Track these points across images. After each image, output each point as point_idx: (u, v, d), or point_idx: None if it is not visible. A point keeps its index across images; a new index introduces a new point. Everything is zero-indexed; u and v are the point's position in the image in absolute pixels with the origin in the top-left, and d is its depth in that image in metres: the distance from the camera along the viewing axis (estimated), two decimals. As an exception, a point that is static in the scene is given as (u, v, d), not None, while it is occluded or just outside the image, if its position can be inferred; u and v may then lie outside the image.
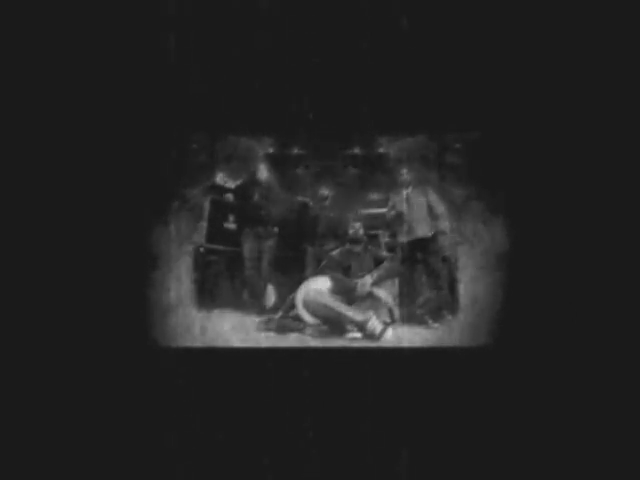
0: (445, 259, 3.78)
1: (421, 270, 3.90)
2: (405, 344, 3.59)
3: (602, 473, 3.21)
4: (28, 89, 3.34)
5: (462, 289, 3.60)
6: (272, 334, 3.70)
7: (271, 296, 3.94)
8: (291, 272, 3.97)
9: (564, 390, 3.29)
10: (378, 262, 3.94)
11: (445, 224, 3.79)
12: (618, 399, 3.25)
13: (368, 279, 3.87)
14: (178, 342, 3.50)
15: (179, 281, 3.59)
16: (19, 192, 3.33)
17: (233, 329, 3.62)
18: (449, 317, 3.63)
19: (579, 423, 3.26)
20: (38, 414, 3.25)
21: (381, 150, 3.88)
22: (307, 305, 3.78)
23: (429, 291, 3.82)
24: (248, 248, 4.04)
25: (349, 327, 3.72)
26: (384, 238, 4.07)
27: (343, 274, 3.92)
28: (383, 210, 3.98)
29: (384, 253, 4.00)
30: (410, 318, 3.76)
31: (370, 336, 3.65)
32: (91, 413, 3.29)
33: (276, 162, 3.98)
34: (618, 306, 3.28)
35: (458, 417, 3.33)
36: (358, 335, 3.69)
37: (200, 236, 3.80)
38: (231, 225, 4.07)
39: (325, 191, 4.06)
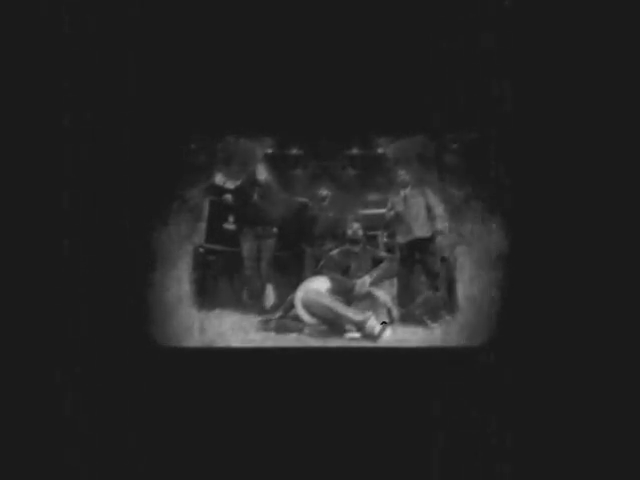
0: (443, 259, 3.79)
1: (419, 270, 3.91)
2: (403, 344, 3.60)
3: (601, 473, 3.22)
4: (28, 88, 3.35)
5: (460, 289, 3.60)
6: (271, 334, 3.71)
7: (270, 296, 3.95)
8: (290, 272, 3.98)
9: (562, 390, 3.30)
10: (377, 262, 3.95)
11: (443, 224, 3.80)
12: (617, 398, 3.26)
13: (367, 279, 3.88)
14: (178, 342, 3.50)
15: (179, 281, 3.60)
16: (18, 191, 3.33)
17: (232, 329, 3.63)
18: (447, 317, 3.64)
19: (578, 422, 3.27)
20: (37, 414, 3.26)
21: (379, 150, 3.90)
22: (306, 305, 3.79)
23: (427, 291, 3.83)
24: (247, 248, 4.05)
25: (348, 327, 3.72)
26: (383, 238, 4.08)
27: (342, 274, 3.93)
28: (382, 210, 3.99)
29: (383, 253, 4.01)
30: (408, 318, 3.77)
31: (369, 336, 3.65)
32: (91, 413, 3.30)
33: (275, 162, 3.99)
34: (617, 305, 3.29)
35: (456, 417, 3.34)
36: (357, 335, 3.69)
37: (199, 236, 3.80)
38: (230, 225, 4.08)
39: (324, 191, 4.07)
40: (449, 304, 3.65)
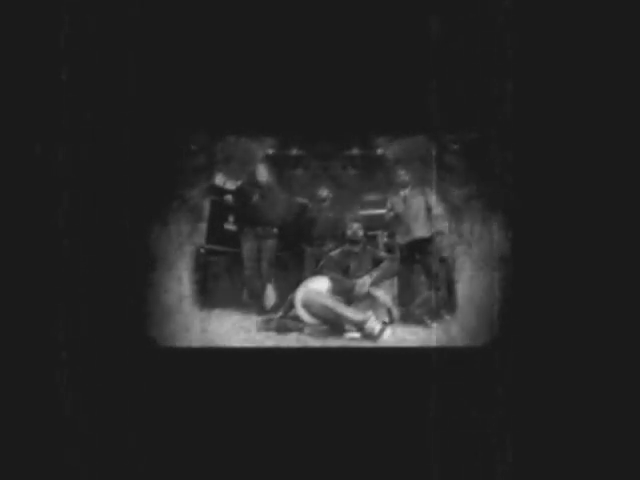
0: (443, 259, 3.78)
1: (419, 270, 3.91)
2: (403, 344, 3.60)
3: (602, 473, 3.22)
4: (28, 88, 3.35)
5: (460, 289, 3.60)
6: (272, 334, 3.71)
7: (270, 296, 3.96)
8: (290, 272, 3.98)
9: (563, 390, 3.30)
10: (377, 262, 3.95)
11: (443, 225, 3.80)
12: (618, 398, 3.26)
13: (367, 279, 3.88)
14: (178, 342, 3.51)
15: (179, 282, 3.60)
16: (18, 191, 3.33)
17: (233, 329, 3.64)
18: (447, 317, 3.64)
19: (578, 422, 3.27)
20: (37, 414, 3.26)
21: (379, 151, 3.90)
22: (306, 305, 3.79)
23: (427, 291, 3.83)
24: (247, 248, 4.05)
25: (348, 327, 3.73)
26: (383, 239, 4.08)
27: (342, 274, 3.93)
28: (382, 211, 4.00)
29: (383, 253, 4.01)
30: (408, 318, 3.78)
31: (369, 336, 3.65)
32: (90, 413, 3.30)
33: (275, 163, 3.99)
34: (618, 305, 3.29)
35: (456, 417, 3.34)
36: (357, 335, 3.69)
37: (200, 237, 3.80)
38: (231, 226, 4.09)
39: (324, 192, 4.08)
40: (449, 304, 3.65)
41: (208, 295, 3.73)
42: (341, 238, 4.00)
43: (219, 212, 4.01)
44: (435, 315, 3.71)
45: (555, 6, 3.38)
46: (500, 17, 3.40)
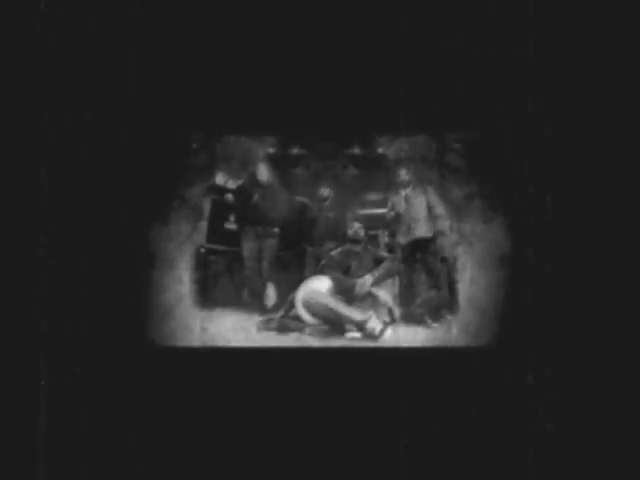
0: (444, 259, 3.78)
1: (420, 270, 3.90)
2: (404, 344, 3.60)
3: (602, 474, 3.21)
4: (28, 87, 3.35)
5: (461, 289, 3.60)
6: (272, 334, 3.71)
7: (271, 296, 3.94)
8: (291, 272, 3.97)
9: (563, 390, 3.29)
10: (378, 262, 3.94)
11: (444, 224, 3.79)
12: (620, 399, 3.25)
13: (368, 279, 3.87)
14: (178, 342, 3.51)
15: (179, 281, 3.60)
16: (18, 189, 3.33)
17: (233, 329, 3.63)
18: (448, 317, 3.64)
19: (579, 422, 3.26)
20: (36, 414, 3.26)
21: (380, 150, 3.88)
22: (307, 305, 3.79)
23: (428, 291, 3.82)
24: (248, 248, 4.04)
25: (349, 327, 3.72)
26: (384, 238, 4.07)
27: (343, 274, 3.92)
28: (383, 210, 3.99)
29: (384, 253, 4.00)
30: (409, 318, 3.76)
31: (370, 336, 3.65)
32: (90, 413, 3.30)
33: (276, 162, 3.98)
34: (619, 304, 3.29)
35: (457, 417, 3.34)
36: (358, 335, 3.69)
37: (200, 236, 3.80)
38: (231, 225, 4.08)
39: (325, 191, 4.07)
40: (450, 304, 3.65)
41: (208, 294, 3.73)
42: (342, 237, 3.99)
43: (219, 211, 4.00)
44: (436, 315, 3.71)
45: (556, 6, 3.37)
46: (501, 17, 3.40)
